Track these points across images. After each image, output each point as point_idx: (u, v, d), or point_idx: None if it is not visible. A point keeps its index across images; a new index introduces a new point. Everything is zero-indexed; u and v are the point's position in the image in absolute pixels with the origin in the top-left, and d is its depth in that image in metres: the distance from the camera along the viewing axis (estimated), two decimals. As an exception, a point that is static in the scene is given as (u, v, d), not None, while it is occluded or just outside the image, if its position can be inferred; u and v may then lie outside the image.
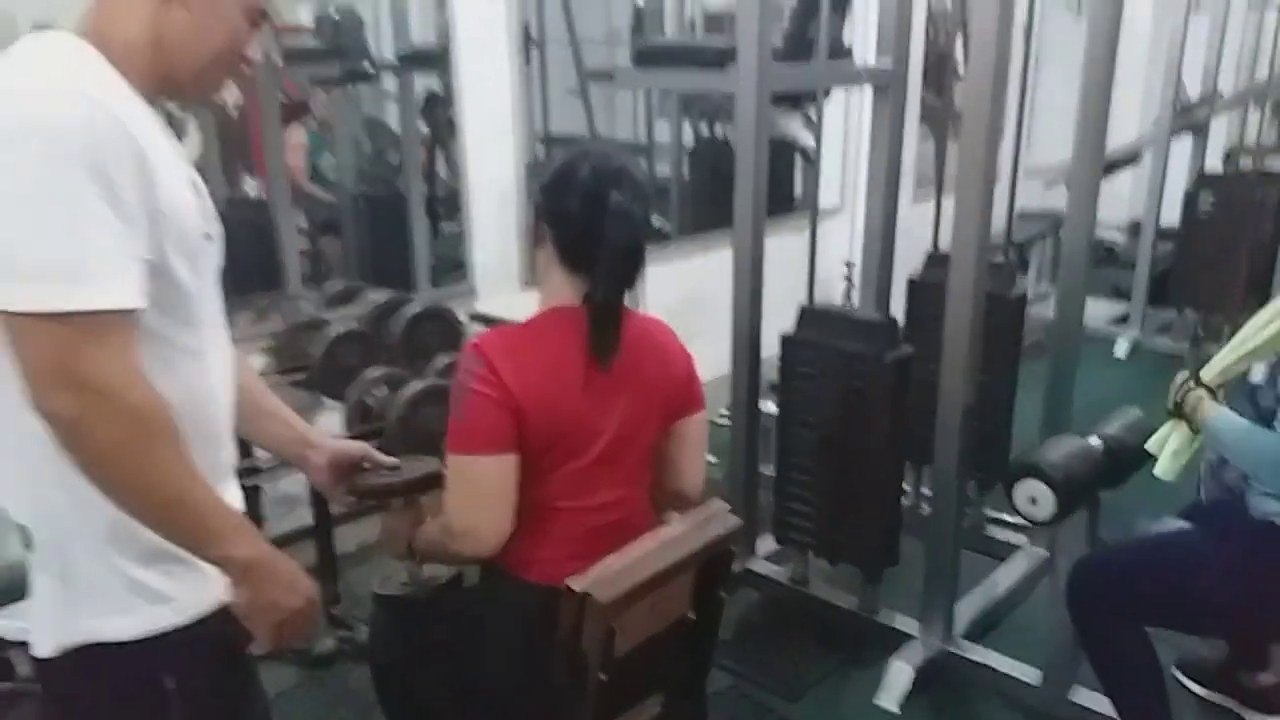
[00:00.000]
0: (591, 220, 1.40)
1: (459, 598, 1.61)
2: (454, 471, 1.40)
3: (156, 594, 1.05)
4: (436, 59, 3.29)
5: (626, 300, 1.45)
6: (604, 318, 1.43)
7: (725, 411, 2.80)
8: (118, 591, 1.03)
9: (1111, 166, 4.47)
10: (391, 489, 1.50)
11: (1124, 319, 4.91)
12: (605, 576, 1.32)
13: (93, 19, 1.02)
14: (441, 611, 1.60)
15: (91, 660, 1.03)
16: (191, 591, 1.07)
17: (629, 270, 1.43)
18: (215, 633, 1.09)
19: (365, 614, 2.28)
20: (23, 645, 1.05)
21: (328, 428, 2.30)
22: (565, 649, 1.33)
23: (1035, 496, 1.94)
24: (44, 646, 1.03)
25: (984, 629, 2.50)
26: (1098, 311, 4.86)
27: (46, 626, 1.03)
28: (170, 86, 1.05)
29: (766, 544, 2.73)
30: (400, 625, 1.62)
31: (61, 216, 0.89)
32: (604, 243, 1.40)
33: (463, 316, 2.85)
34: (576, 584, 1.29)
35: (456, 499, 1.40)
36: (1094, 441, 2.03)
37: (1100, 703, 2.04)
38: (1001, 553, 2.81)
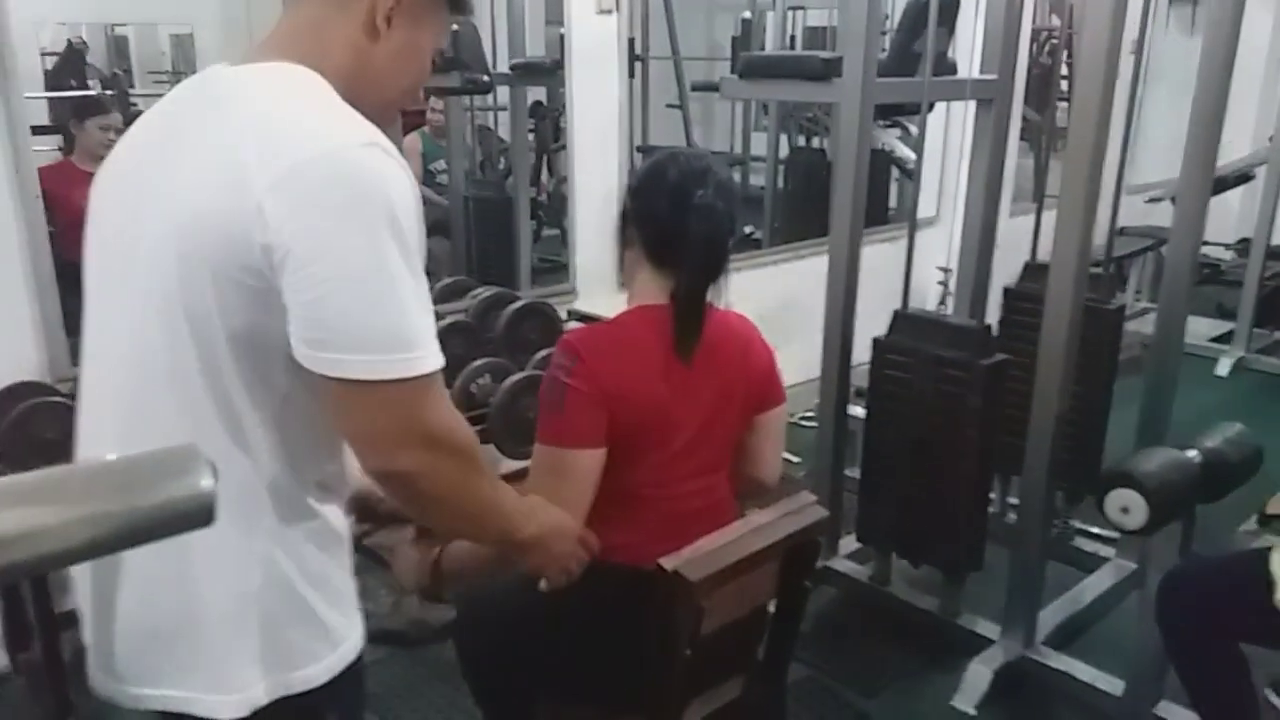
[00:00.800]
0: (676, 217, 1.46)
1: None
2: (548, 462, 1.44)
3: (339, 636, 1.06)
4: (548, 71, 3.42)
5: (710, 297, 1.49)
6: (687, 311, 1.48)
7: (810, 413, 2.85)
8: (311, 638, 1.03)
9: (1222, 184, 4.35)
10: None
11: (1228, 337, 4.76)
12: (696, 557, 1.37)
13: (300, 47, 1.00)
14: (530, 596, 1.66)
15: (278, 713, 1.02)
16: (358, 627, 1.09)
17: (712, 264, 1.48)
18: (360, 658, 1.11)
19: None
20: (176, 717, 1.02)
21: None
22: (655, 625, 1.39)
23: (1127, 505, 1.93)
24: (232, 708, 0.99)
25: (1067, 638, 2.49)
26: (1200, 329, 4.73)
27: (237, 685, 0.99)
28: None
29: (848, 544, 2.76)
30: (491, 602, 1.68)
31: (397, 291, 0.91)
32: (688, 237, 1.45)
33: (562, 314, 2.97)
34: (669, 562, 1.35)
35: (547, 488, 1.41)
36: (1191, 454, 2.01)
37: (1186, 718, 2.02)
38: (1089, 565, 2.79)
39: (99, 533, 0.76)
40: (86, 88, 2.96)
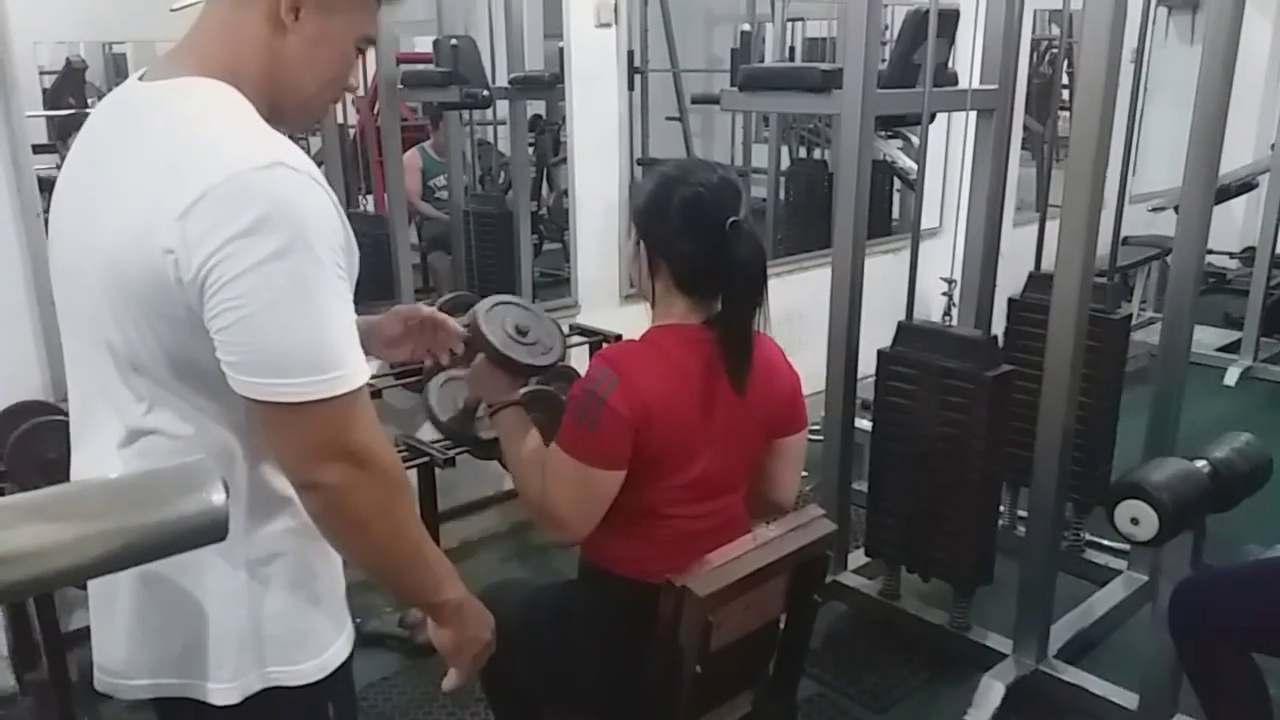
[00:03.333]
0: (712, 249, 1.40)
1: (558, 592, 1.67)
2: (565, 470, 1.42)
3: (329, 634, 1.09)
4: (547, 85, 3.43)
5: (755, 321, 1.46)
6: (739, 343, 1.44)
7: (816, 426, 2.83)
8: (300, 635, 1.06)
9: (1225, 192, 4.35)
10: (512, 363, 1.47)
11: (1235, 346, 4.75)
12: (704, 572, 1.37)
13: (211, 54, 1.00)
14: (542, 604, 1.66)
15: (274, 702, 1.05)
16: (346, 624, 1.12)
17: (758, 290, 1.44)
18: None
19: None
20: (178, 701, 1.06)
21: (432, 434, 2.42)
22: (663, 641, 1.38)
23: (1137, 517, 1.91)
24: (225, 694, 1.03)
25: (1079, 651, 2.47)
26: (1207, 339, 4.71)
27: (232, 673, 1.03)
28: (276, 114, 1.03)
29: (857, 558, 2.75)
30: (505, 618, 1.69)
31: (312, 311, 0.92)
32: (731, 270, 1.40)
33: (564, 328, 2.96)
34: (677, 577, 1.35)
35: (562, 494, 1.43)
36: (1200, 465, 2.00)
37: (1202, 731, 2.00)
38: (1100, 577, 2.77)
39: (113, 548, 0.77)
40: (86, 106, 2.97)
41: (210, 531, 0.80)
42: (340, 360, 0.94)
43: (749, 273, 1.42)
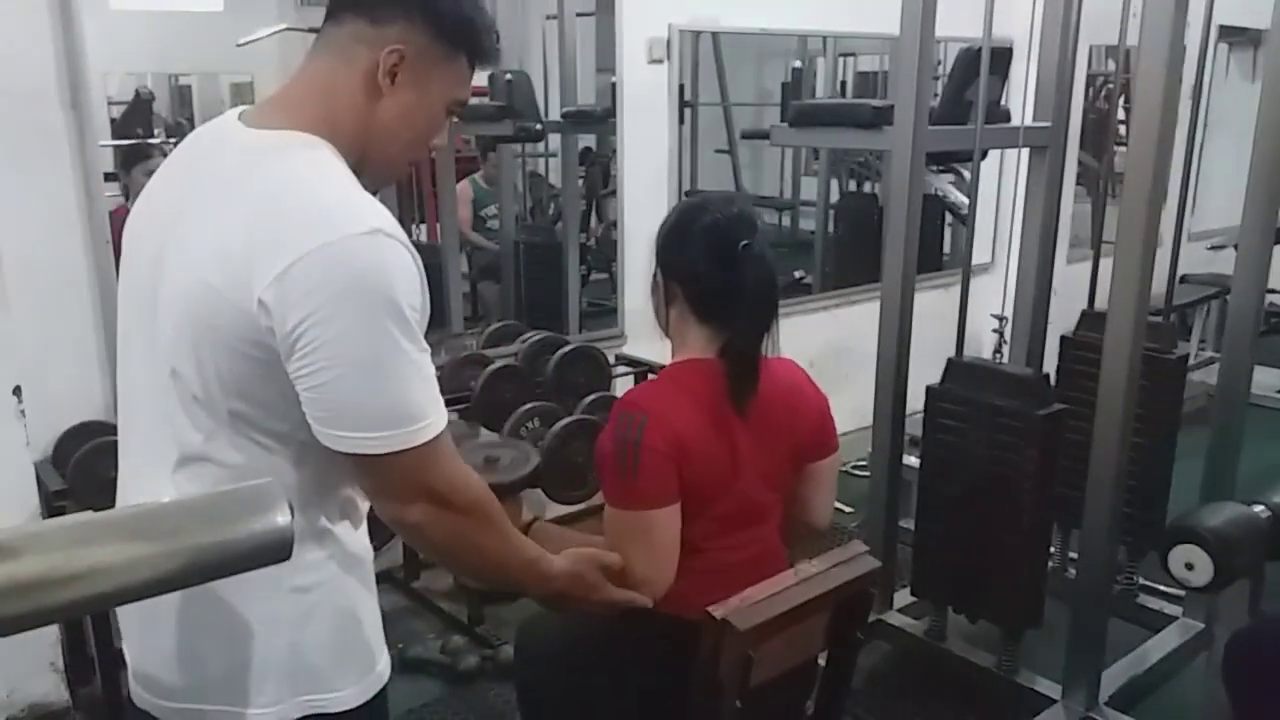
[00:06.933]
0: (724, 270, 1.42)
1: (597, 631, 1.65)
2: (626, 525, 1.41)
3: (367, 661, 1.12)
4: (599, 119, 3.48)
5: (763, 347, 1.46)
6: (743, 367, 1.45)
7: (862, 462, 2.81)
8: (339, 661, 1.09)
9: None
10: (501, 489, 1.46)
11: (1299, 390, 4.61)
12: (745, 606, 1.35)
13: (310, 106, 1.04)
14: (580, 643, 1.64)
15: None
16: (383, 651, 1.15)
17: (766, 315, 1.45)
18: None
19: (508, 635, 2.40)
20: None
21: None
22: (702, 675, 1.37)
23: (1192, 562, 1.86)
24: (263, 719, 1.06)
25: (1132, 700, 2.40)
26: (1268, 380, 4.58)
27: (272, 699, 1.05)
28: (362, 170, 1.06)
29: (903, 597, 2.71)
30: (546, 652, 1.68)
31: (399, 371, 0.97)
32: (740, 291, 1.41)
33: (610, 358, 2.98)
34: (718, 611, 1.33)
35: (636, 553, 1.40)
36: (1259, 510, 1.94)
37: (1258, 787, 1.93)
38: (1155, 624, 2.69)
39: (182, 565, 0.80)
40: (153, 135, 3.08)
41: (275, 551, 0.83)
42: (423, 412, 0.99)
43: (758, 294, 1.43)
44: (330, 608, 1.08)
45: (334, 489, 1.08)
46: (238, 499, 0.86)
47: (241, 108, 1.09)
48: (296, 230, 0.94)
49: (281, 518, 0.82)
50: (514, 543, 1.16)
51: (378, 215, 0.98)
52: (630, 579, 1.42)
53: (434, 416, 1.01)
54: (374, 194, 1.05)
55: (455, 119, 1.15)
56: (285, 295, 0.93)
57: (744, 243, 1.42)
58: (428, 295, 1.03)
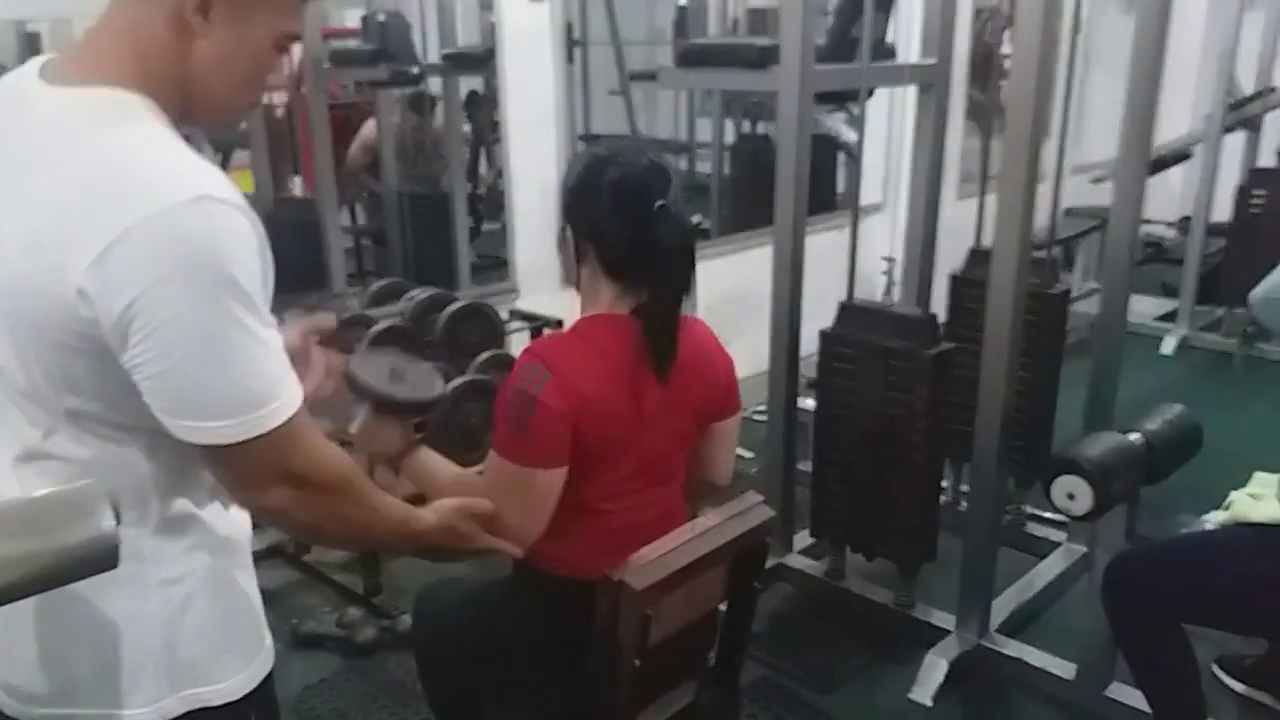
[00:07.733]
0: (639, 232, 1.36)
1: (495, 590, 1.63)
2: (506, 477, 1.38)
3: (249, 650, 1.08)
4: (481, 60, 3.34)
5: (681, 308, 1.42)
6: (663, 331, 1.40)
7: (761, 407, 2.82)
8: (218, 653, 1.04)
9: (1161, 163, 4.40)
10: (395, 403, 1.42)
11: (1172, 316, 4.83)
12: (640, 565, 1.35)
13: (119, 57, 0.93)
14: (479, 603, 1.64)
15: None
16: (266, 639, 1.11)
17: (684, 277, 1.39)
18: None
19: (406, 605, 2.34)
20: None
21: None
22: (601, 636, 1.36)
23: (1073, 492, 1.93)
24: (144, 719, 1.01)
25: (1021, 625, 2.50)
26: (1145, 308, 4.79)
27: (148, 697, 1.01)
28: (189, 118, 0.98)
29: (802, 539, 2.74)
30: (446, 620, 1.66)
31: (240, 351, 0.89)
32: (655, 256, 1.36)
33: (504, 314, 2.89)
34: (614, 573, 1.33)
35: (512, 505, 1.36)
36: (1135, 438, 2.02)
37: (1135, 698, 2.03)
38: (1041, 550, 2.80)
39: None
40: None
41: (101, 561, 0.75)
42: (273, 393, 0.92)
43: (675, 257, 1.38)
44: (204, 598, 1.02)
45: (196, 474, 1.01)
46: (55, 504, 0.77)
47: (43, 58, 0.97)
48: (111, 205, 0.84)
49: (105, 523, 0.74)
50: (381, 510, 1.08)
51: (203, 178, 0.87)
52: (500, 527, 1.38)
53: (286, 395, 0.93)
54: (221, 140, 0.93)
55: (287, 54, 1.06)
56: (106, 281, 0.84)
57: (659, 203, 1.35)
58: (270, 261, 0.94)
